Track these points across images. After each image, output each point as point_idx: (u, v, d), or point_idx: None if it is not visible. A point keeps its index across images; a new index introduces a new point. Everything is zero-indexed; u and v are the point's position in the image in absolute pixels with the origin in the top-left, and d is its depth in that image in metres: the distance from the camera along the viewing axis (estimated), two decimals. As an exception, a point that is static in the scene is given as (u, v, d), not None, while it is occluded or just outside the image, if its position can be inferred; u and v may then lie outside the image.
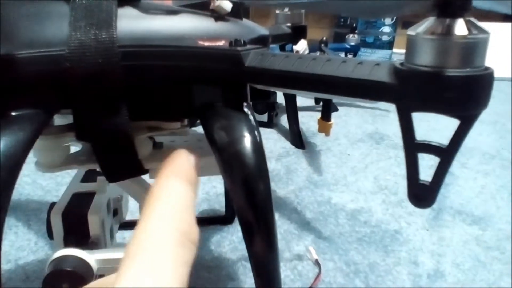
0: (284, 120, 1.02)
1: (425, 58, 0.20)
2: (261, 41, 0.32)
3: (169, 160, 0.18)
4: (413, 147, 0.23)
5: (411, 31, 0.20)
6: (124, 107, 0.29)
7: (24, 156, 0.26)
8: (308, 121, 1.05)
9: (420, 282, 0.49)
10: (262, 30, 0.34)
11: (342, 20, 1.64)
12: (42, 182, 0.70)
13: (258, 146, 0.26)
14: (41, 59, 0.27)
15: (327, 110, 0.45)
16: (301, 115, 0.94)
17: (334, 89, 0.23)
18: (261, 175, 0.26)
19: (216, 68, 0.28)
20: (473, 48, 0.19)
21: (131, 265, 0.13)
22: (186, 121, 0.36)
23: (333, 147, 0.90)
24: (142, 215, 0.15)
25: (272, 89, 0.28)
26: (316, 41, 0.84)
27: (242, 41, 0.28)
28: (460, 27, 0.19)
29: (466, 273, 0.51)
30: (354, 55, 1.21)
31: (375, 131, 1.00)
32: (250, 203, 0.25)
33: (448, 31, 0.19)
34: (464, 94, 0.20)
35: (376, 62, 0.23)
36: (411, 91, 0.21)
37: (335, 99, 0.24)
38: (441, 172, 0.22)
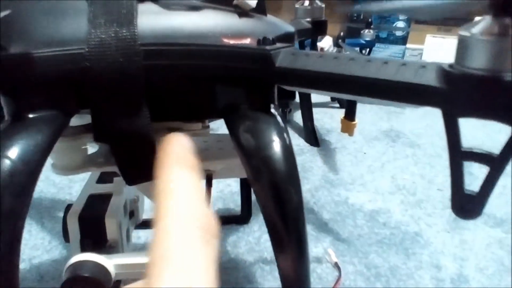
0: (297, 116, 1.00)
1: (480, 61, 0.18)
2: (288, 38, 0.31)
3: (166, 145, 0.17)
4: (459, 155, 0.21)
5: (464, 31, 0.19)
6: (145, 107, 0.28)
7: (43, 160, 0.25)
8: (322, 117, 1.03)
9: (444, 287, 0.48)
10: (288, 26, 0.32)
11: (356, 14, 1.62)
12: (55, 178, 0.69)
13: (288, 151, 0.25)
14: (59, 58, 0.26)
15: (351, 109, 0.44)
16: (315, 112, 0.92)
17: (375, 93, 0.22)
18: (293, 182, 0.24)
19: (244, 68, 0.26)
20: (534, 50, 0.18)
21: (161, 270, 0.13)
22: (207, 122, 0.35)
23: (348, 145, 0.88)
24: (156, 213, 0.14)
25: (303, 91, 0.27)
26: (331, 37, 0.83)
27: (271, 39, 0.27)
28: (520, 27, 0.18)
29: (491, 278, 0.50)
30: (369, 51, 1.19)
31: (391, 128, 0.98)
32: (280, 212, 0.24)
33: (506, 32, 0.18)
34: (521, 100, 0.18)
35: (421, 63, 0.21)
36: (461, 95, 0.19)
37: (373, 103, 0.22)
38: (490, 182, 0.21)
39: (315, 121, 0.91)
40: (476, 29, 0.18)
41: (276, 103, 0.28)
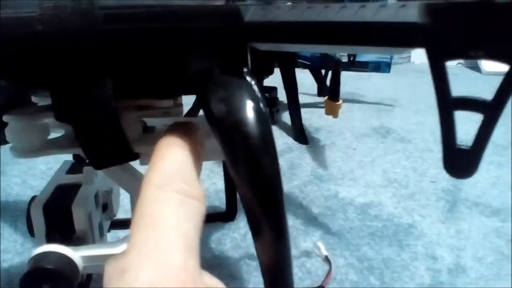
0: (285, 117, 0.98)
1: (467, -13, 0.16)
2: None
3: (170, 129, 0.19)
4: (448, 104, 0.19)
5: (447, -47, 0.17)
6: (107, 80, 0.26)
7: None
8: (311, 117, 1.01)
9: (441, 278, 0.45)
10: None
11: None
12: (32, 182, 0.66)
13: (262, 115, 0.23)
14: (7, 23, 0.24)
15: (335, 89, 0.42)
16: (303, 111, 0.90)
17: (353, 38, 0.19)
18: (267, 147, 0.22)
19: (210, 27, 0.24)
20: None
21: (135, 230, 0.14)
22: (180, 100, 0.32)
23: (337, 141, 0.86)
24: (142, 182, 0.16)
25: (276, 48, 0.24)
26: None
27: (241, -3, 0.25)
28: None
29: (490, 267, 0.47)
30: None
31: (381, 125, 0.96)
32: (254, 182, 0.21)
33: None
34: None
35: (401, 3, 0.19)
36: (447, 30, 0.17)
37: (354, 52, 0.20)
38: (484, 133, 0.19)
39: (304, 120, 0.89)
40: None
41: (250, 67, 0.25)
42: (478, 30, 0.16)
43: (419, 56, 1.65)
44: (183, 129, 0.20)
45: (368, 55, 1.53)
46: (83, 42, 0.25)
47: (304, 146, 0.84)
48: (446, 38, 0.17)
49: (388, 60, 1.56)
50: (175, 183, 0.16)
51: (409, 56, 1.78)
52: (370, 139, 0.87)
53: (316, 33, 0.20)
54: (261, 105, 0.24)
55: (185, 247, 0.14)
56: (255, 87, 0.26)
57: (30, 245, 0.50)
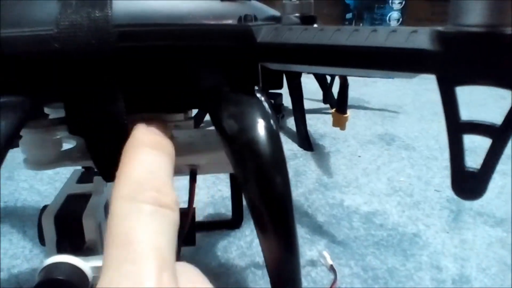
0: (290, 122, 0.98)
1: (475, 16, 0.17)
2: (274, 21, 0.29)
3: (136, 128, 0.19)
4: (457, 128, 0.19)
5: (458, -14, 0.17)
6: (120, 95, 0.26)
7: (6, 148, 0.23)
8: (316, 123, 1.01)
9: (445, 288, 0.45)
10: (274, 11, 0.31)
11: (347, 22, 1.62)
12: (40, 187, 0.67)
13: (273, 134, 0.23)
14: (26, 40, 0.24)
15: (342, 102, 0.42)
16: (308, 117, 0.90)
17: (365, 62, 0.20)
18: (278, 166, 0.22)
19: (224, 47, 0.24)
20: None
21: (109, 252, 0.14)
22: (190, 113, 0.33)
23: (342, 148, 0.86)
24: (112, 193, 0.16)
25: (288, 68, 0.25)
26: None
27: (253, 16, 0.25)
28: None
29: (494, 278, 0.47)
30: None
31: (385, 132, 0.97)
32: (265, 198, 0.22)
33: (504, -18, 0.16)
34: (525, 59, 0.17)
35: (412, 29, 0.19)
36: (457, 57, 0.18)
37: (363, 76, 0.21)
38: (493, 157, 0.19)
39: (309, 126, 0.89)
40: (471, -18, 0.17)
41: (261, 85, 0.26)
42: (486, 59, 0.17)
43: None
44: (150, 126, 0.19)
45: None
46: (98, 59, 0.25)
47: (309, 152, 0.84)
48: (455, 65, 0.18)
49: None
50: (144, 192, 0.15)
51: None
52: (374, 146, 0.88)
53: (327, 56, 0.21)
54: (272, 123, 0.25)
55: (158, 265, 0.13)
56: (266, 104, 0.27)
57: (38, 251, 0.50)
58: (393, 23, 1.51)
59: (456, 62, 0.18)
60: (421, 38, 0.19)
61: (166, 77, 0.27)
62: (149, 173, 0.16)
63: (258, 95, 0.27)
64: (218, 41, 0.24)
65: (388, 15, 1.54)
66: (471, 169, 0.20)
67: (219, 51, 0.24)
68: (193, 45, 0.25)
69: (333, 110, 0.42)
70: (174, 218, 0.15)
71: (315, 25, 0.46)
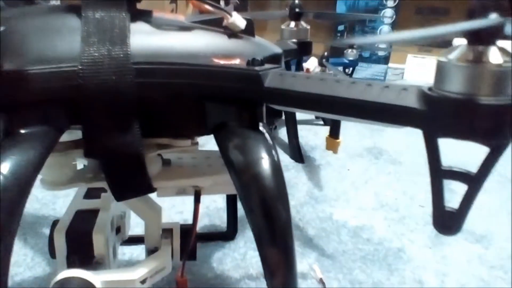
0: (282, 133, 1.01)
1: (457, 85, 0.20)
2: (276, 59, 0.32)
3: None
4: (439, 174, 0.22)
5: (442, 58, 0.20)
6: (136, 124, 0.29)
7: (35, 175, 0.26)
8: (307, 134, 1.04)
9: (426, 303, 0.49)
10: (275, 48, 0.34)
11: (339, 33, 1.65)
12: (38, 194, 0.68)
13: (277, 168, 0.26)
14: (52, 75, 0.27)
15: (336, 128, 0.45)
16: (300, 129, 0.93)
17: (359, 113, 0.23)
18: (281, 199, 0.25)
19: (234, 88, 0.27)
20: (506, 76, 0.19)
21: None
22: (196, 139, 0.35)
23: (332, 161, 0.89)
24: None
25: (290, 110, 0.28)
26: (315, 56, 0.85)
27: (260, 60, 0.28)
28: (493, 55, 0.19)
29: (471, 293, 0.51)
30: (353, 70, 1.22)
31: (373, 145, 1.00)
32: (269, 229, 0.25)
33: (480, 59, 0.19)
34: (495, 123, 0.20)
35: (402, 86, 0.22)
36: (440, 117, 0.21)
37: (358, 122, 0.24)
38: (468, 200, 0.22)
39: (300, 138, 0.92)
40: (452, 55, 0.20)
41: (265, 121, 0.29)
42: (463, 120, 0.20)
43: (411, 73, 1.69)
44: None
45: (363, 72, 1.57)
46: (117, 93, 0.28)
47: (300, 164, 0.87)
48: (437, 122, 0.21)
49: (382, 78, 1.60)
50: None
51: (402, 73, 1.83)
52: (363, 160, 0.91)
53: (326, 105, 0.24)
54: (275, 157, 0.27)
55: None
56: (268, 137, 0.29)
57: (40, 259, 0.52)
58: (382, 44, 1.56)
59: (439, 120, 0.21)
60: (410, 96, 0.21)
61: (179, 110, 0.30)
62: None
63: (262, 129, 0.30)
64: (229, 83, 0.27)
65: (379, 29, 1.59)
66: (449, 209, 0.23)
67: (230, 91, 0.27)
68: (207, 84, 0.28)
69: (327, 135, 0.45)
70: None
71: (312, 58, 0.49)
